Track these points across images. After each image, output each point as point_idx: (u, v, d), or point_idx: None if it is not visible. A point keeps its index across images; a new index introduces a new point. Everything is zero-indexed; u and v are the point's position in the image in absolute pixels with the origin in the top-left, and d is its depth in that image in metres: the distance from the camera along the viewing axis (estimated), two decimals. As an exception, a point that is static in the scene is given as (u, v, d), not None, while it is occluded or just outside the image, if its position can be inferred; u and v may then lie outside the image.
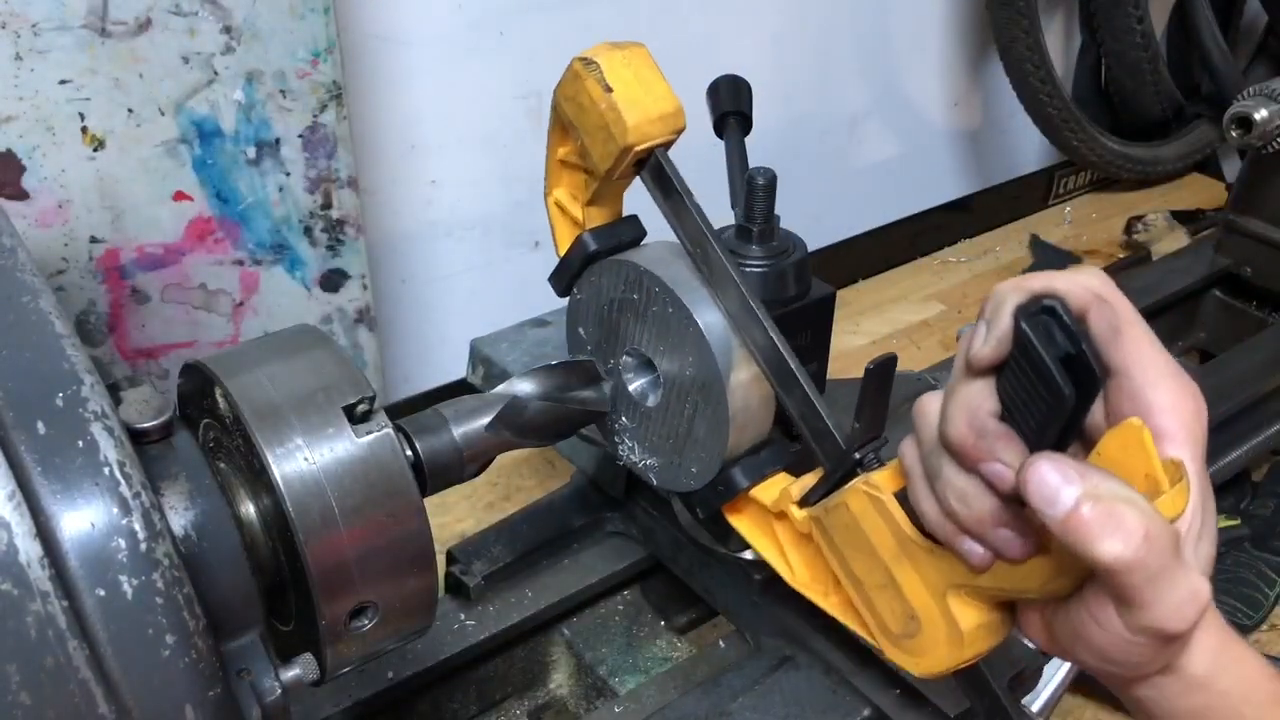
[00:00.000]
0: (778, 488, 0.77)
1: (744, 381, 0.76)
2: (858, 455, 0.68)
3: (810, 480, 0.72)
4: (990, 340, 0.54)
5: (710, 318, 0.76)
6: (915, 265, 2.11)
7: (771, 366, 0.74)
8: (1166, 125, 2.21)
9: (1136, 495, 0.49)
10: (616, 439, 0.86)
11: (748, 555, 0.96)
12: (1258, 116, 1.40)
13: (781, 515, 0.76)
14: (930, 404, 0.58)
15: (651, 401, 0.82)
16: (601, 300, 0.83)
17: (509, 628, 1.01)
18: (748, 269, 0.86)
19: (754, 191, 0.88)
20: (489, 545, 1.06)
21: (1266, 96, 1.41)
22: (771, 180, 0.88)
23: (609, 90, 0.76)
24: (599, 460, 1.12)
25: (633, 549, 1.10)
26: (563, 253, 0.87)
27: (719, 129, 1.00)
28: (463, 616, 1.01)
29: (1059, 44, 2.16)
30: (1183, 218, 2.10)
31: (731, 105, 0.99)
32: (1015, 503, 0.54)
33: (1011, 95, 1.94)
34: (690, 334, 0.76)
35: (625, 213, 0.87)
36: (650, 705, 0.96)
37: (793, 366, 0.72)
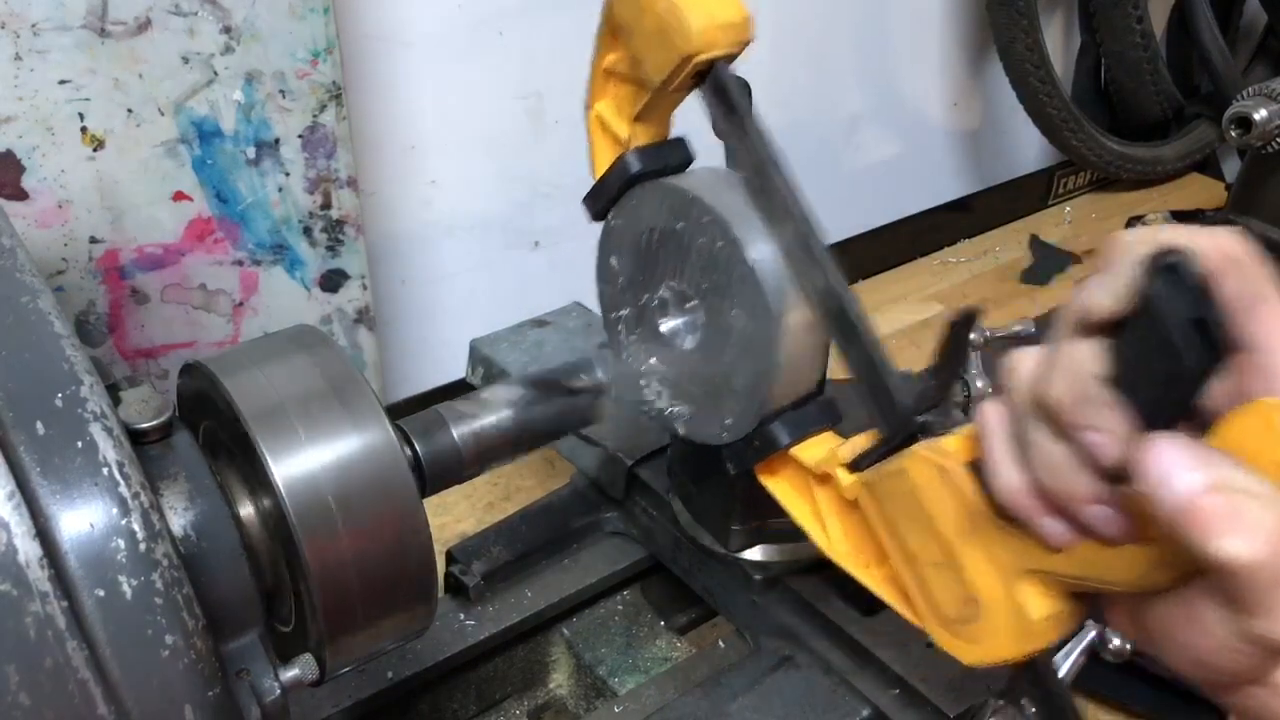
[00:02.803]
0: (823, 447, 0.70)
1: (795, 326, 0.69)
2: (921, 419, 0.61)
3: (863, 442, 0.66)
4: (1110, 293, 0.47)
5: (764, 253, 0.68)
6: (915, 265, 2.11)
7: (830, 313, 0.66)
8: (1166, 125, 2.21)
9: (1268, 489, 0.43)
10: (643, 383, 0.79)
11: (748, 555, 0.96)
12: (1257, 116, 1.40)
13: (825, 478, 0.69)
14: (1025, 361, 0.52)
15: (688, 344, 0.76)
16: (640, 228, 0.76)
17: (509, 628, 1.01)
18: None
19: None
20: (488, 545, 1.06)
21: (1266, 96, 1.41)
22: None
23: None
24: (599, 460, 1.12)
25: (633, 549, 1.09)
26: (600, 174, 0.80)
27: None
28: (462, 616, 1.01)
29: (1059, 44, 2.16)
30: (1183, 218, 2.10)
31: None
32: (1113, 479, 0.48)
33: (1011, 95, 1.93)
34: (739, 271, 0.69)
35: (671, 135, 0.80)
36: (650, 705, 0.96)
37: (854, 315, 0.65)
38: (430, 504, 0.69)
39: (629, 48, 0.74)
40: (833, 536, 0.70)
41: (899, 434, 0.62)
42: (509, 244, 1.60)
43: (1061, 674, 1.10)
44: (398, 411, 0.75)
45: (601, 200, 0.79)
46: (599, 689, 1.05)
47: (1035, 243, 2.16)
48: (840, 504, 0.69)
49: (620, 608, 1.10)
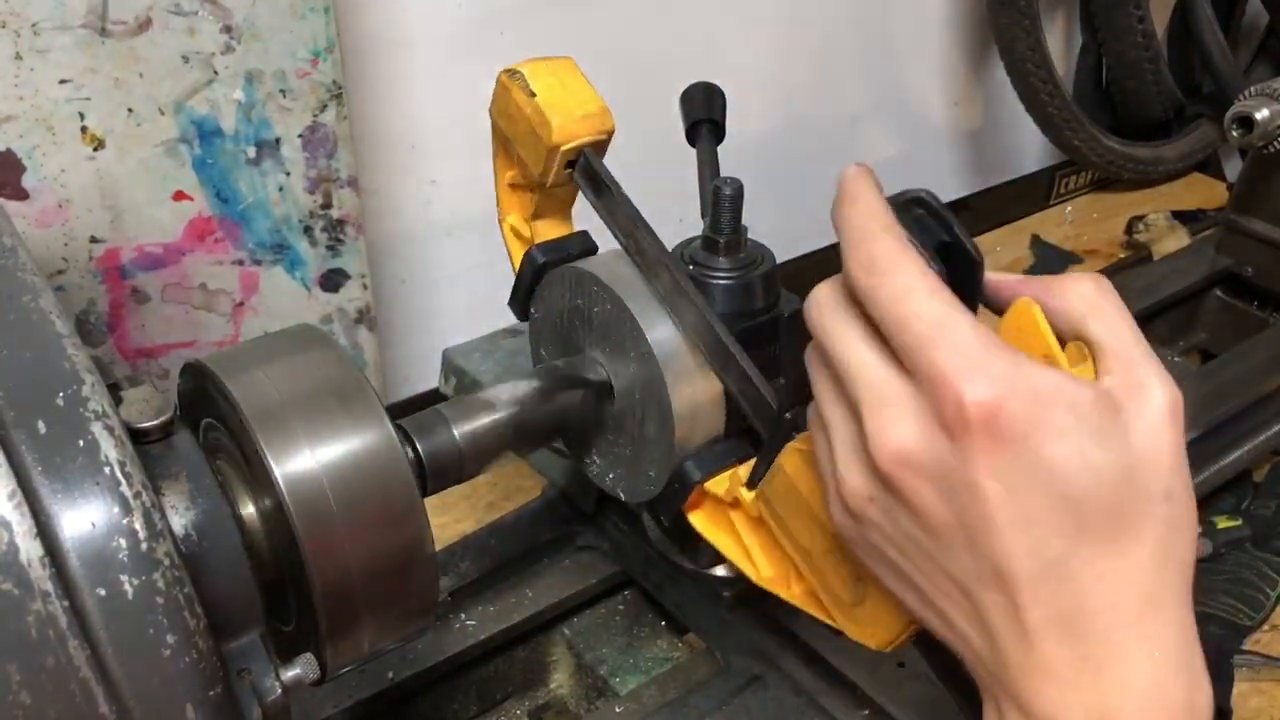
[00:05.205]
0: (730, 478, 0.77)
1: (686, 370, 0.76)
2: (790, 415, 0.66)
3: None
4: None
5: (642, 304, 0.76)
6: (916, 265, 2.10)
7: (706, 345, 0.74)
8: (1168, 125, 2.20)
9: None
10: (586, 457, 0.86)
11: (717, 572, 0.94)
12: (1259, 116, 1.39)
13: (735, 504, 0.75)
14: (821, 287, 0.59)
15: (608, 409, 0.82)
16: (554, 314, 0.84)
17: (509, 628, 1.01)
18: (714, 282, 0.82)
19: (720, 202, 0.82)
20: (455, 561, 1.05)
21: (1268, 96, 1.41)
22: (738, 190, 0.82)
23: (533, 95, 0.80)
24: (569, 473, 1.10)
25: (604, 564, 1.08)
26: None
27: (691, 137, 0.96)
28: (463, 616, 1.01)
29: (1060, 44, 2.16)
30: (1184, 218, 2.10)
31: (704, 113, 0.95)
32: None
33: (1012, 95, 1.93)
34: (628, 327, 0.77)
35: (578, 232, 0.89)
36: (651, 705, 0.96)
37: (725, 341, 0.73)
38: (430, 504, 0.69)
39: (514, 156, 0.83)
40: (758, 563, 0.75)
41: (774, 438, 0.67)
42: (510, 244, 1.60)
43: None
44: (398, 411, 0.75)
45: (520, 297, 0.88)
46: (600, 689, 1.05)
47: (1036, 243, 2.16)
48: (752, 524, 0.74)
49: (621, 607, 1.10)
